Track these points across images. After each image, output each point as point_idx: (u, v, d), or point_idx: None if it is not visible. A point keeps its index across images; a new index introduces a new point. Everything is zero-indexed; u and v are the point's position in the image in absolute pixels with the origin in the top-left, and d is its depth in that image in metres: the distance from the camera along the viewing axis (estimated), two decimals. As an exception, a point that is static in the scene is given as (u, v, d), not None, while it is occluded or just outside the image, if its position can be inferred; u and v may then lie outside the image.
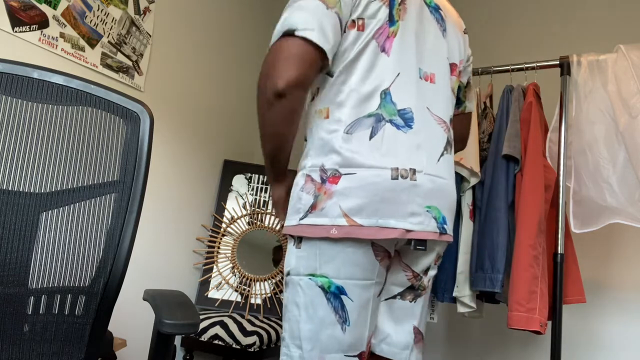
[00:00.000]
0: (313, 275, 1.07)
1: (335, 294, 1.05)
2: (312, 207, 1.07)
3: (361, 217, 1.04)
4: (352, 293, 1.06)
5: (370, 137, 1.06)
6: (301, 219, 1.08)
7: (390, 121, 1.08)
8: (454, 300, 1.83)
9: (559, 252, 1.66)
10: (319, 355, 1.05)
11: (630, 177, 1.61)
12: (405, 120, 1.09)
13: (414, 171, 1.08)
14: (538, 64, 1.84)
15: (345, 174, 1.05)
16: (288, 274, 1.11)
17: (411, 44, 1.13)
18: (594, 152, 1.69)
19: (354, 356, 1.08)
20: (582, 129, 1.72)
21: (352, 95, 1.08)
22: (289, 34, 1.01)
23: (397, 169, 1.06)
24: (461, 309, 1.82)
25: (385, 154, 1.06)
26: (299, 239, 1.10)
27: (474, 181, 1.82)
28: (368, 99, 1.08)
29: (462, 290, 1.79)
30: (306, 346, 1.05)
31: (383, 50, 1.09)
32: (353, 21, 1.09)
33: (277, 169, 1.17)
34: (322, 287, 1.06)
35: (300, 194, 1.10)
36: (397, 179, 1.06)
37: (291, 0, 1.08)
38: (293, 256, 1.11)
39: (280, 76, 0.99)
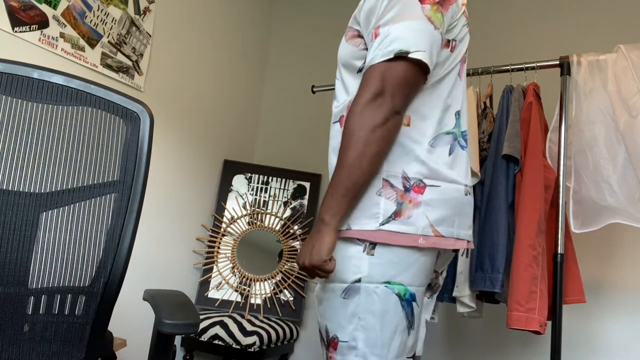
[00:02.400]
0: (389, 283, 1.07)
1: (408, 301, 1.09)
2: (396, 214, 1.07)
3: (442, 228, 1.10)
4: (419, 299, 1.11)
5: (449, 154, 1.13)
6: (382, 224, 1.06)
7: (458, 141, 1.17)
8: (454, 300, 1.83)
9: (559, 252, 1.66)
10: None
11: (630, 177, 1.61)
12: (465, 141, 1.19)
13: (470, 188, 1.19)
14: (538, 64, 1.84)
15: (430, 185, 1.09)
16: (358, 280, 1.07)
17: (465, 74, 1.24)
18: (594, 152, 1.69)
19: (411, 357, 1.13)
20: (582, 129, 1.72)
21: (436, 111, 1.12)
22: (401, 56, 1.04)
23: (466, 185, 1.16)
24: (461, 309, 1.82)
25: (459, 171, 1.15)
26: (371, 245, 1.07)
27: (473, 181, 1.82)
28: (447, 117, 1.14)
29: (462, 290, 1.79)
30: (383, 352, 1.07)
31: (459, 74, 1.18)
32: (448, 41, 1.14)
33: (356, 200, 1.07)
34: (398, 295, 1.08)
35: (378, 198, 1.07)
36: (466, 194, 1.15)
37: (394, 14, 1.07)
38: (364, 262, 1.07)
39: (398, 96, 1.04)
